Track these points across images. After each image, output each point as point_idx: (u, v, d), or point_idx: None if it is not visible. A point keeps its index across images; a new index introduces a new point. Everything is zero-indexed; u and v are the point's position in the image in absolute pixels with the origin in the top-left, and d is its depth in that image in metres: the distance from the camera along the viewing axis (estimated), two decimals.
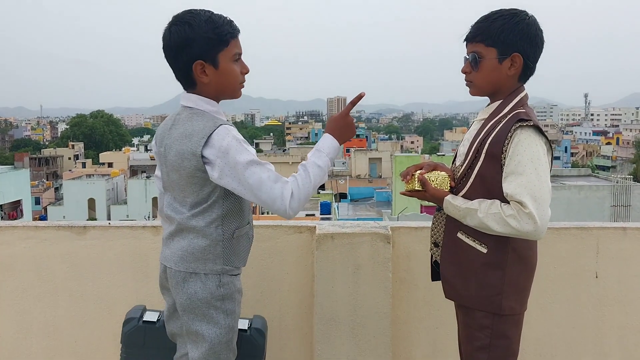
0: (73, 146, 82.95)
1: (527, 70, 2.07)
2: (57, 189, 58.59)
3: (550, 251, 2.90)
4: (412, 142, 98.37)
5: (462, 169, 2.10)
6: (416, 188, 2.15)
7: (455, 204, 2.05)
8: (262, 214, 27.20)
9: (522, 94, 2.08)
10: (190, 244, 2.05)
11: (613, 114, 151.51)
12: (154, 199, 43.73)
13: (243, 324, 2.45)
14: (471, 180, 2.06)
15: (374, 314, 2.81)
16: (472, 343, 2.09)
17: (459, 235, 2.09)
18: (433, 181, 2.13)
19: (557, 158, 64.16)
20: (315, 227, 2.93)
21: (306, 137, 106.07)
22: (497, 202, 1.97)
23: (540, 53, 2.07)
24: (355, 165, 52.31)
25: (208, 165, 1.96)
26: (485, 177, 2.02)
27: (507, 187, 1.94)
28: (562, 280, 2.96)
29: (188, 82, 2.06)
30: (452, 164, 2.24)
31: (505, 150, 1.96)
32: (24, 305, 3.01)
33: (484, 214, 1.96)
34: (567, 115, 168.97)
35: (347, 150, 60.13)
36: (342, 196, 43.73)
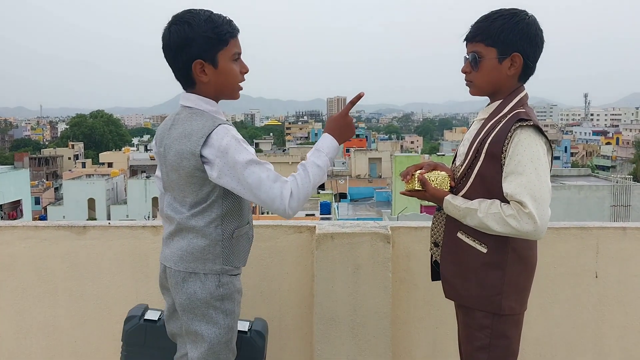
0: (73, 146, 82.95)
1: (527, 70, 2.07)
2: (57, 189, 58.60)
3: (550, 251, 2.90)
4: (412, 142, 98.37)
5: (462, 169, 2.10)
6: (416, 188, 2.15)
7: (455, 204, 2.05)
8: (262, 213, 27.20)
9: (522, 94, 2.08)
10: (190, 244, 2.05)
11: (613, 114, 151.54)
12: (154, 199, 43.74)
13: (243, 326, 2.45)
14: (471, 180, 2.06)
15: (374, 314, 2.81)
16: (472, 343, 2.09)
17: (459, 235, 2.09)
18: (433, 181, 2.13)
19: (557, 158, 64.16)
20: (315, 227, 2.93)
21: (306, 137, 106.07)
22: (497, 202, 1.97)
23: (540, 53, 2.07)
24: (355, 165, 52.31)
25: (207, 164, 1.96)
26: (485, 176, 2.02)
27: (507, 187, 1.94)
28: (562, 280, 2.96)
29: (187, 82, 2.06)
30: (452, 163, 2.24)
31: (505, 150, 1.96)
32: (24, 305, 3.01)
33: (483, 213, 1.96)
34: (567, 115, 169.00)
35: (347, 150, 60.13)
36: (342, 196, 43.74)
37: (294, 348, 2.99)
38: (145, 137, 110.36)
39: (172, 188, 2.09)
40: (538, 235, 1.92)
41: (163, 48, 2.03)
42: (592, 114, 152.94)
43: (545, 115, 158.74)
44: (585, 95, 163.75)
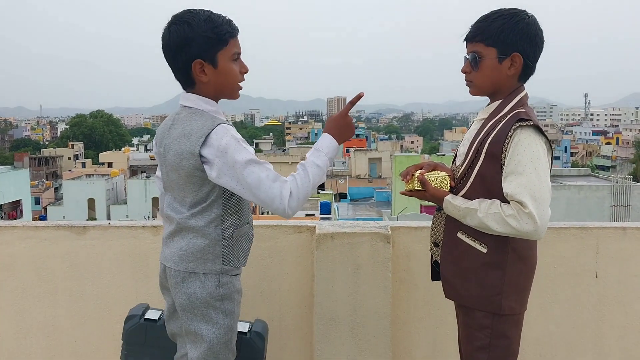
0: (73, 146, 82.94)
1: (527, 70, 2.07)
2: (56, 189, 58.59)
3: (550, 251, 2.90)
4: (412, 142, 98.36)
5: (462, 169, 2.10)
6: (416, 188, 2.15)
7: (455, 204, 2.05)
8: (262, 213, 27.20)
9: (522, 94, 2.08)
10: (190, 244, 2.05)
11: (613, 114, 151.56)
12: (154, 199, 43.73)
13: (243, 327, 2.45)
14: (471, 180, 2.06)
15: (374, 314, 2.81)
16: (472, 343, 2.09)
17: (459, 235, 2.09)
18: (433, 181, 2.13)
19: (557, 158, 64.15)
20: (315, 227, 2.93)
21: (306, 137, 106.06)
22: (497, 201, 1.97)
23: (540, 53, 2.07)
24: (355, 165, 52.31)
25: (206, 164, 1.96)
26: (485, 176, 2.02)
27: (507, 186, 1.94)
28: (562, 280, 2.96)
29: (187, 82, 2.06)
30: (452, 163, 2.24)
31: (505, 150, 1.96)
32: (24, 305, 3.01)
33: (483, 213, 1.96)
34: (567, 115, 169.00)
35: (347, 150, 60.12)
36: (341, 196, 43.74)
37: (294, 348, 2.99)
38: (145, 137, 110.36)
39: (172, 188, 2.09)
40: (538, 235, 1.92)
41: (163, 48, 2.03)
42: (592, 114, 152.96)
43: (545, 115, 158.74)
44: (585, 95, 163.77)
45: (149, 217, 42.03)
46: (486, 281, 2.03)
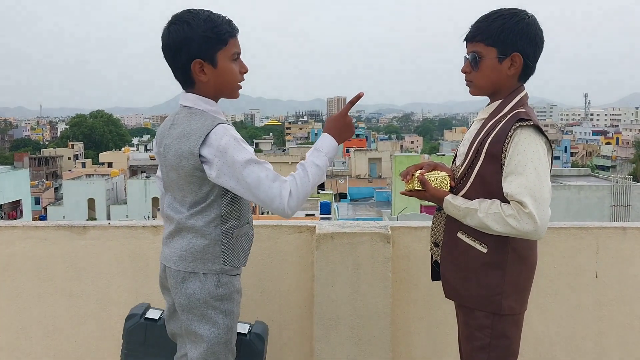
0: (73, 146, 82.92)
1: (527, 70, 2.07)
2: (56, 189, 58.59)
3: (550, 251, 2.90)
4: (412, 142, 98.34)
5: (462, 169, 2.10)
6: (416, 188, 2.15)
7: (455, 204, 2.05)
8: (262, 213, 27.19)
9: (522, 94, 2.08)
10: (189, 244, 2.05)
11: (613, 114, 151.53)
12: (154, 199, 43.73)
13: (243, 328, 2.45)
14: (471, 180, 2.06)
15: (374, 314, 2.81)
16: (472, 343, 2.09)
17: (459, 235, 2.09)
18: (433, 181, 2.13)
19: (557, 158, 64.14)
20: (315, 227, 2.93)
21: (306, 137, 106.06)
22: (497, 201, 1.97)
23: (540, 53, 2.07)
24: (355, 165, 52.31)
25: (206, 164, 1.96)
26: (485, 176, 2.02)
27: (507, 186, 1.94)
28: (562, 280, 2.95)
29: (187, 82, 2.06)
30: (452, 163, 2.24)
31: (505, 150, 1.96)
32: (24, 305, 3.01)
33: (484, 213, 1.96)
34: (567, 115, 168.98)
35: (347, 150, 60.12)
36: (341, 196, 43.73)
37: (294, 348, 2.99)
38: (145, 137, 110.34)
39: (172, 188, 2.09)
40: (538, 235, 1.92)
41: (163, 48, 2.03)
42: (592, 114, 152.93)
43: (545, 115, 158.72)
44: (585, 95, 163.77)
45: (149, 217, 42.02)
46: (486, 281, 2.03)
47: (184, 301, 2.06)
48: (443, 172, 2.15)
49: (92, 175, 56.26)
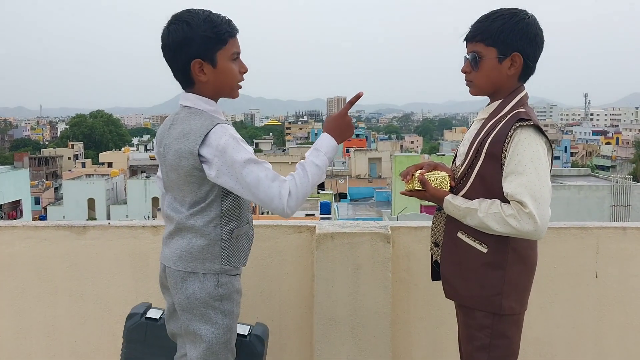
0: (73, 146, 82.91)
1: (527, 70, 2.07)
2: (56, 189, 58.58)
3: (550, 251, 2.90)
4: (412, 142, 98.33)
5: (462, 169, 2.10)
6: (416, 188, 2.15)
7: (456, 204, 2.05)
8: (262, 213, 27.19)
9: (522, 94, 2.08)
10: (189, 244, 2.04)
11: (613, 114, 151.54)
12: (154, 199, 43.72)
13: (244, 330, 2.45)
14: (471, 180, 2.06)
15: (374, 314, 2.81)
16: (472, 343, 2.09)
17: (459, 235, 2.09)
18: (433, 181, 2.13)
19: (557, 158, 64.14)
20: (315, 226, 2.93)
21: (306, 137, 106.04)
22: (497, 201, 1.97)
23: (540, 52, 2.07)
24: (355, 165, 52.31)
25: (205, 164, 1.96)
26: (485, 176, 2.02)
27: (507, 186, 1.94)
28: (562, 280, 2.95)
29: (186, 81, 2.06)
30: (452, 163, 2.24)
31: (505, 150, 1.96)
32: (24, 305, 3.01)
33: (484, 213, 1.96)
34: (567, 115, 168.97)
35: (347, 150, 60.12)
36: (341, 196, 43.73)
37: (294, 348, 2.99)
38: (145, 137, 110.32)
39: (172, 188, 2.09)
40: (538, 235, 1.92)
41: (162, 47, 2.03)
42: (592, 114, 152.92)
43: (545, 115, 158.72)
44: (585, 95, 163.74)
45: (149, 217, 42.01)
46: (486, 281, 2.03)
47: (183, 301, 2.06)
48: (443, 172, 2.15)
49: (92, 175, 56.25)
